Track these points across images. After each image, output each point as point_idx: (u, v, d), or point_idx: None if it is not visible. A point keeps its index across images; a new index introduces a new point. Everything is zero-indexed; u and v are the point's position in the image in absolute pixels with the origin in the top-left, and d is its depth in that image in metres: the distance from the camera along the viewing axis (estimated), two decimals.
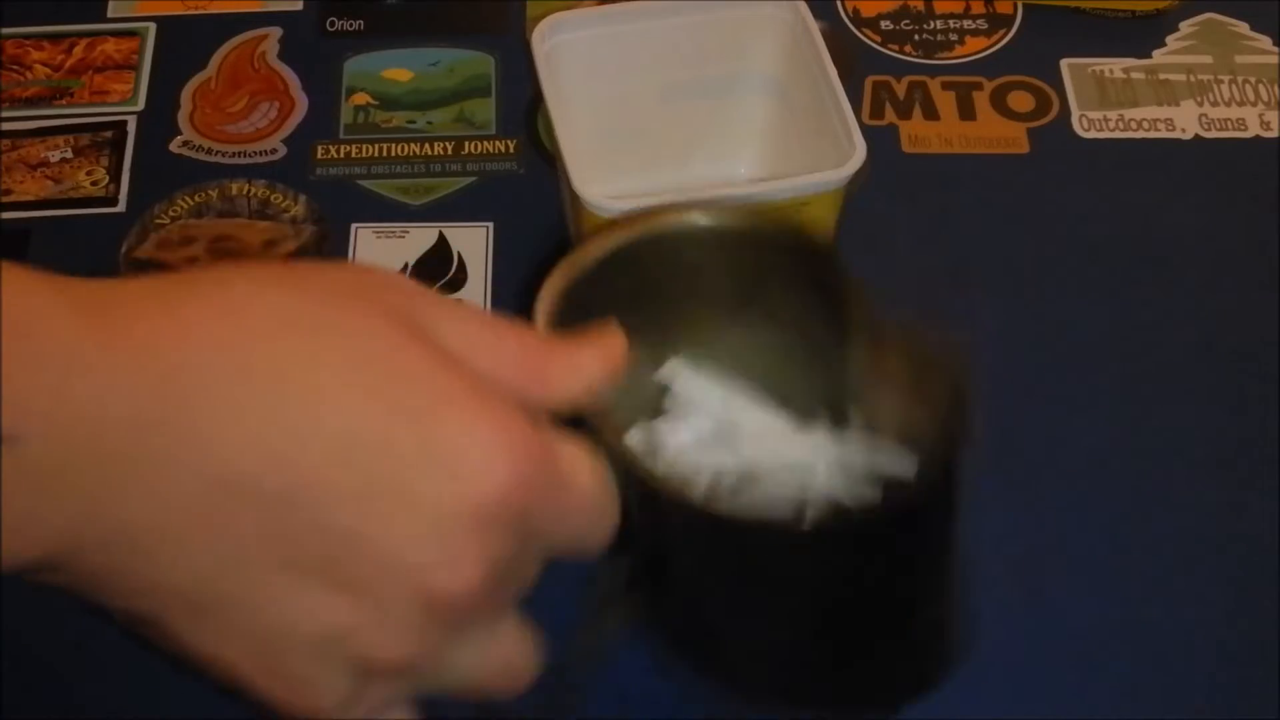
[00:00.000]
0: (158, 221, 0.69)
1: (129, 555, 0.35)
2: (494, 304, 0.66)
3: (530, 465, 0.37)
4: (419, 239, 0.68)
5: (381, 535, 0.36)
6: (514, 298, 0.66)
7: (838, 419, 0.50)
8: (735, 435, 0.48)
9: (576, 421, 0.42)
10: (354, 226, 0.69)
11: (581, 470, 0.40)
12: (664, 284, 0.48)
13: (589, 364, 0.41)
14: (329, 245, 0.68)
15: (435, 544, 0.36)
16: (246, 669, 0.37)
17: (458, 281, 0.67)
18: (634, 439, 0.47)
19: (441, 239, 0.68)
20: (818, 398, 0.50)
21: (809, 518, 0.44)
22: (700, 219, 0.48)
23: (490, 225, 0.69)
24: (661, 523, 0.43)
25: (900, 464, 0.47)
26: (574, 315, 0.44)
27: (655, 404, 0.50)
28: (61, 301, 0.34)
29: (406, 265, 0.67)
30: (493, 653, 0.40)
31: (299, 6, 0.78)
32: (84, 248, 0.68)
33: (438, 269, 0.67)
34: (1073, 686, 0.55)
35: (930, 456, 0.44)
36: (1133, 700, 0.54)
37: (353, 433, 0.35)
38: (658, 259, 0.48)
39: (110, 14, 0.77)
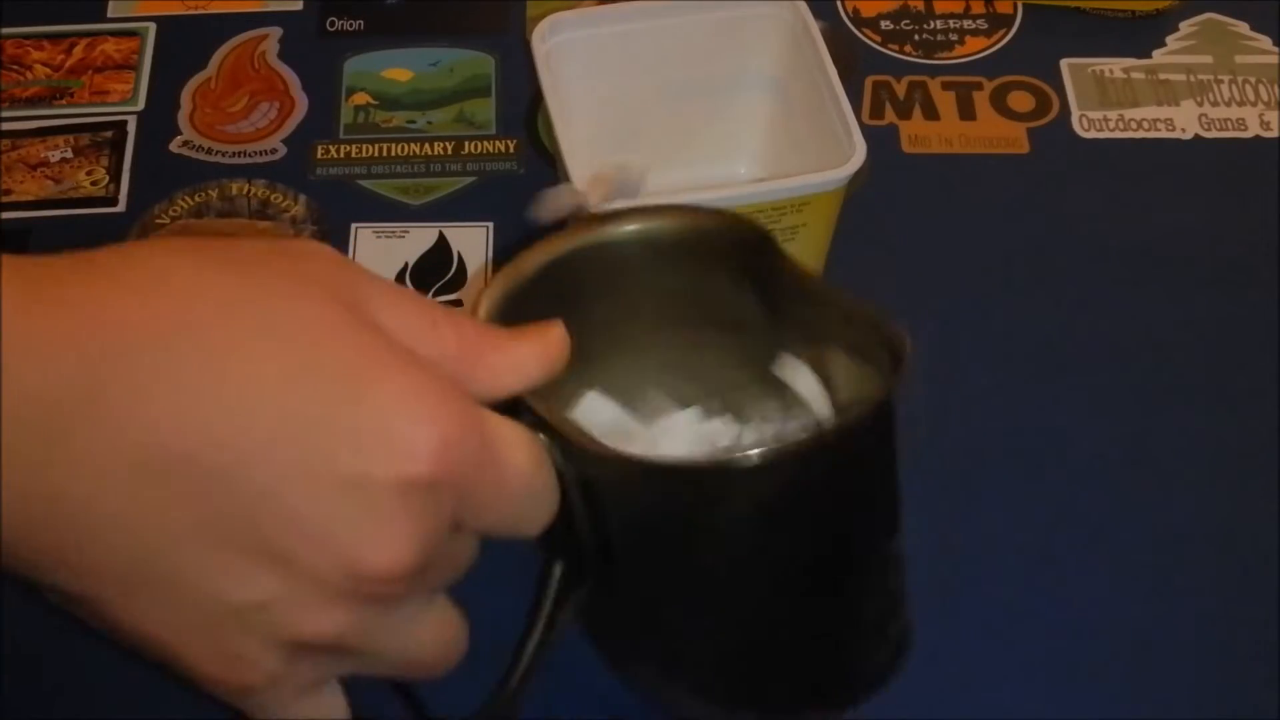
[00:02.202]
0: (158, 221, 0.69)
1: (60, 533, 0.35)
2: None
3: (462, 439, 0.37)
4: (419, 239, 0.68)
5: (311, 510, 0.36)
6: None
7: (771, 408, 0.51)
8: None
9: (510, 403, 0.42)
10: (354, 226, 0.69)
11: (516, 446, 0.40)
12: (600, 290, 0.48)
13: (527, 358, 0.41)
14: (329, 245, 0.68)
15: (364, 518, 0.36)
16: (177, 646, 0.37)
17: (458, 281, 0.67)
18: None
19: (441, 239, 0.68)
20: (755, 392, 0.51)
21: (744, 455, 0.43)
22: (634, 224, 0.48)
23: (490, 225, 0.69)
24: (602, 494, 0.43)
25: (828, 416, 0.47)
26: (511, 321, 0.44)
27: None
28: (8, 278, 0.34)
29: (406, 265, 0.67)
30: (423, 632, 0.40)
31: (299, 6, 0.78)
32: (84, 248, 0.68)
33: (438, 269, 0.67)
34: (1072, 687, 0.55)
35: (865, 401, 0.44)
36: (1132, 700, 0.54)
37: (287, 410, 0.35)
38: (594, 266, 0.48)
39: (110, 14, 0.77)
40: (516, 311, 0.45)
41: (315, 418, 0.35)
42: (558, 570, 0.45)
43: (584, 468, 0.42)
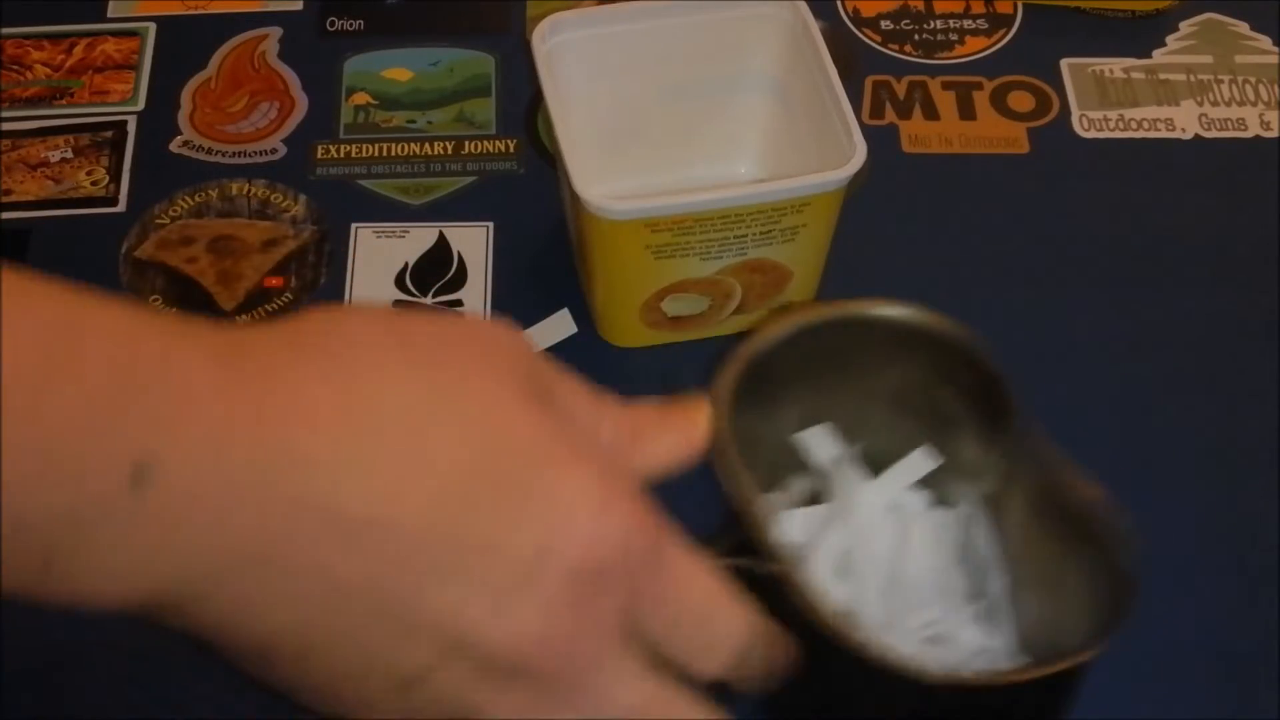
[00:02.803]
0: (158, 221, 0.69)
1: (238, 593, 0.35)
2: (493, 304, 0.66)
3: (642, 533, 0.38)
4: (419, 239, 0.68)
5: (478, 587, 0.36)
6: (513, 298, 0.66)
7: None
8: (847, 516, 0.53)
9: (752, 564, 0.45)
10: (354, 226, 0.69)
11: (693, 572, 0.40)
12: (833, 366, 0.53)
13: (676, 444, 0.43)
14: (329, 245, 0.68)
15: (529, 596, 0.36)
16: (341, 701, 0.37)
17: (457, 281, 0.67)
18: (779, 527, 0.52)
19: (441, 239, 0.68)
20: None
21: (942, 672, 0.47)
22: (876, 310, 0.52)
23: (490, 225, 0.69)
24: (820, 661, 0.45)
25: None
26: (752, 383, 0.50)
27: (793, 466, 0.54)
28: (198, 348, 0.34)
29: (406, 265, 0.67)
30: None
31: (299, 6, 0.78)
32: (84, 248, 0.68)
33: (438, 269, 0.67)
34: None
35: (1073, 647, 0.46)
36: (1132, 700, 0.54)
37: (461, 483, 0.36)
38: (835, 340, 0.52)
39: (110, 14, 0.77)
40: (760, 373, 0.50)
41: (503, 497, 0.36)
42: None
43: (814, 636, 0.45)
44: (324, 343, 0.37)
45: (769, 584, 0.46)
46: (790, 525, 0.53)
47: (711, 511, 0.60)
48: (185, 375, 0.33)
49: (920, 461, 0.54)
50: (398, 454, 0.35)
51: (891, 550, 0.53)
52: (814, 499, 0.55)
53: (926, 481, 0.54)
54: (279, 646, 0.36)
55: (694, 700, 0.41)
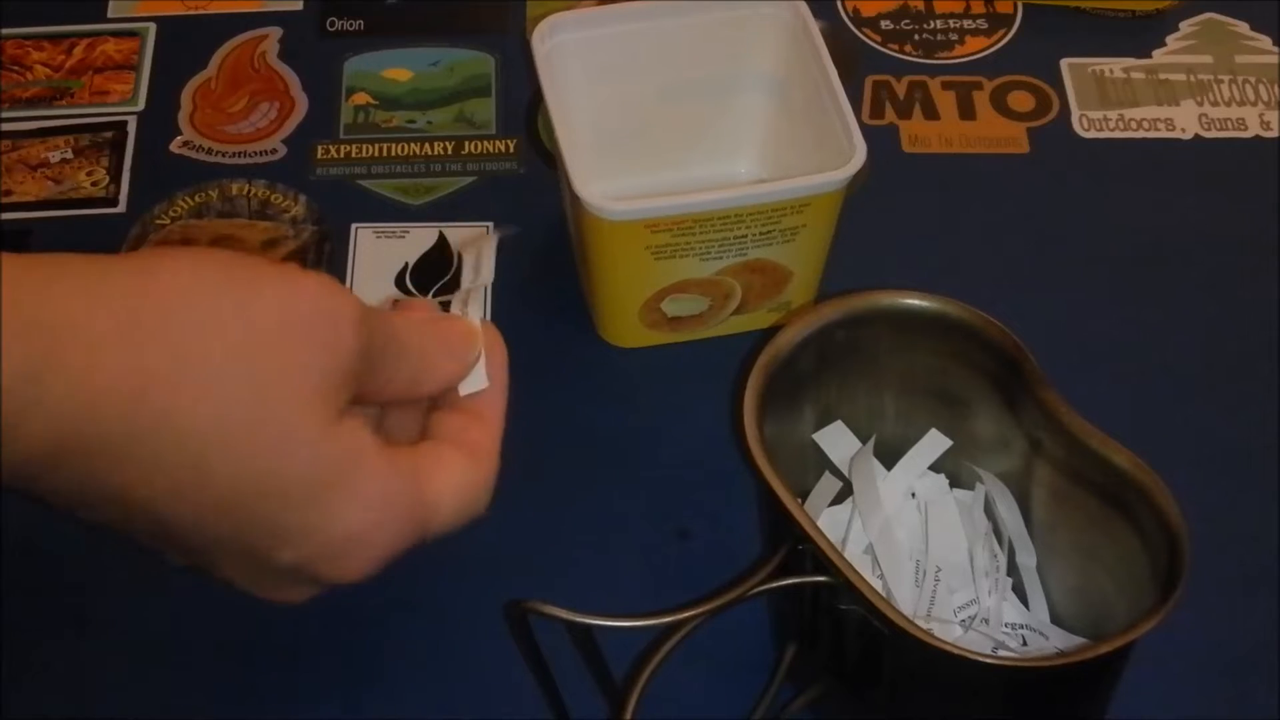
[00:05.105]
0: (158, 222, 0.69)
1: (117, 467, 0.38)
2: (494, 304, 0.66)
3: (396, 549, 0.45)
4: (419, 239, 0.68)
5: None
6: (514, 298, 0.66)
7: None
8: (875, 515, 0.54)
9: (803, 551, 0.47)
10: (354, 226, 0.69)
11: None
12: (845, 361, 0.54)
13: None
14: (329, 245, 0.68)
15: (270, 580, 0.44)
16: (190, 559, 0.44)
17: (458, 281, 0.67)
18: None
19: (441, 239, 0.68)
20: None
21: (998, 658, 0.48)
22: (896, 300, 0.53)
23: (490, 225, 0.69)
24: (855, 627, 0.47)
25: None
26: (771, 391, 0.51)
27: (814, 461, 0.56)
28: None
29: (406, 265, 0.67)
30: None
31: (299, 6, 0.78)
32: (84, 248, 0.67)
33: (438, 269, 0.67)
34: None
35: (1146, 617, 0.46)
36: (1133, 700, 0.54)
37: (234, 507, 0.41)
38: (846, 336, 0.53)
39: (110, 14, 0.77)
40: (777, 379, 0.51)
41: (268, 533, 0.42)
42: (789, 654, 0.52)
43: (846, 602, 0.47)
44: (164, 333, 0.38)
45: (829, 594, 0.47)
46: (824, 525, 0.53)
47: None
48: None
49: (933, 444, 0.54)
50: (181, 467, 0.39)
51: (918, 537, 0.54)
52: (837, 495, 0.55)
53: (947, 464, 0.55)
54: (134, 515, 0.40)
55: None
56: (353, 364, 0.41)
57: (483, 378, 0.48)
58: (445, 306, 0.50)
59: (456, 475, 0.45)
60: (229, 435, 0.39)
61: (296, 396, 0.40)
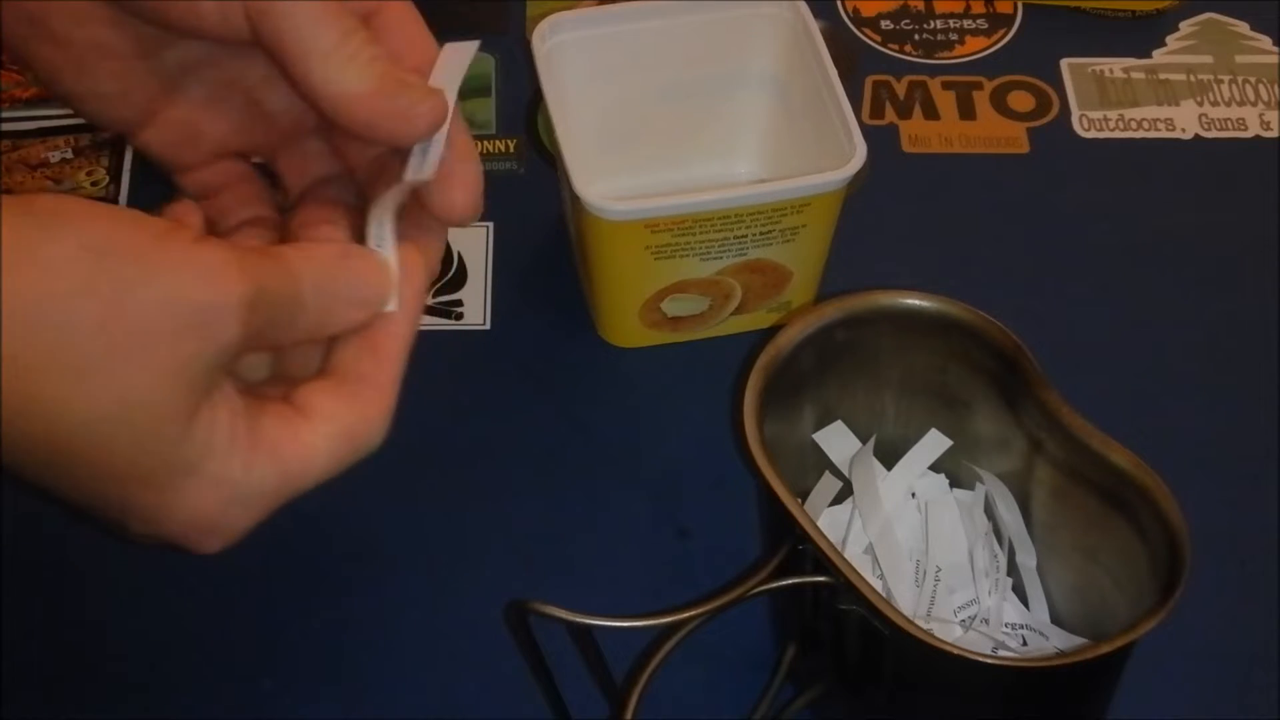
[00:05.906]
0: None
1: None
2: (494, 304, 0.66)
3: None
4: None
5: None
6: (513, 298, 0.66)
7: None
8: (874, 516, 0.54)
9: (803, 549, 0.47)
10: None
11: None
12: (844, 361, 0.54)
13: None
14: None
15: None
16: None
17: (458, 281, 0.67)
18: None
19: None
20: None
21: (999, 657, 0.48)
22: (896, 300, 0.53)
23: (490, 225, 0.69)
24: (856, 627, 0.47)
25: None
26: (771, 391, 0.51)
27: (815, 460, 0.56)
28: None
29: None
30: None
31: None
32: None
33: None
34: None
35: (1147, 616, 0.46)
36: (1133, 700, 0.54)
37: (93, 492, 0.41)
38: (845, 336, 0.53)
39: None
40: (777, 380, 0.51)
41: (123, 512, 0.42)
42: (789, 654, 0.52)
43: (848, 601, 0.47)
44: (37, 331, 0.38)
45: (829, 594, 0.47)
46: (824, 525, 0.53)
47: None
48: None
49: (933, 444, 0.55)
50: (40, 444, 0.39)
51: (918, 537, 0.54)
52: (837, 495, 0.55)
53: (947, 464, 0.55)
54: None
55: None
56: (233, 349, 0.41)
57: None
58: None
59: (328, 425, 0.44)
60: (94, 432, 0.39)
61: (166, 390, 0.40)
